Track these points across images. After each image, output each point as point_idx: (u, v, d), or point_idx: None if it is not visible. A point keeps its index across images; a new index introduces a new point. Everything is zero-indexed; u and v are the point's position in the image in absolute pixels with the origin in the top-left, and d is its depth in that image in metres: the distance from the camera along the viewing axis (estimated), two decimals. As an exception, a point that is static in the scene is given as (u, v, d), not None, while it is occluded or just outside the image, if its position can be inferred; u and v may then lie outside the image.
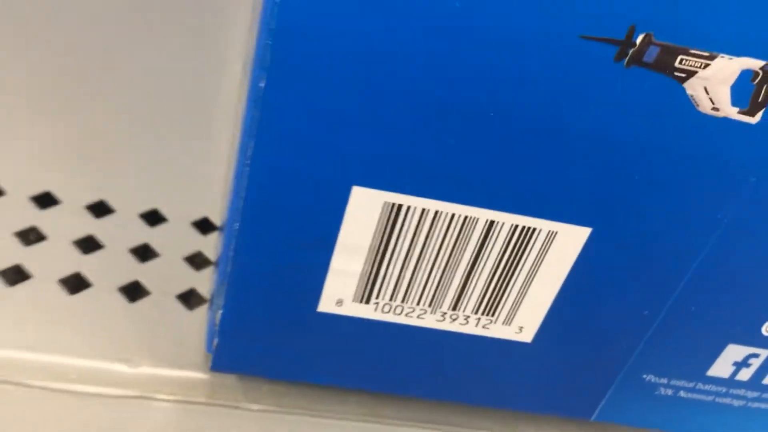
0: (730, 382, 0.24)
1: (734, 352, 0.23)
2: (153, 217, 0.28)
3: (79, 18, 0.36)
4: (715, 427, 0.25)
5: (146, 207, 0.28)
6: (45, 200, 0.28)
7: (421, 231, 0.20)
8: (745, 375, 0.24)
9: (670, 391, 0.24)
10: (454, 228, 0.20)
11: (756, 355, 0.23)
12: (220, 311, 0.21)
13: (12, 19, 0.34)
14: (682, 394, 0.24)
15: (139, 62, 0.35)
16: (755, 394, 0.24)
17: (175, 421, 0.23)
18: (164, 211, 0.29)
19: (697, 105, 0.18)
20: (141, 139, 0.31)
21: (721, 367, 0.23)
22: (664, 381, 0.24)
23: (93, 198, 0.28)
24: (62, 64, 0.33)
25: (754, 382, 0.24)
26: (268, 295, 0.21)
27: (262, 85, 0.17)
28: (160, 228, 0.28)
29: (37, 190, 0.28)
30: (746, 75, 0.17)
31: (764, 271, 0.21)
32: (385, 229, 0.20)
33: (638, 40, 0.17)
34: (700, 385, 0.24)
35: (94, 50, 0.34)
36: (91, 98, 0.32)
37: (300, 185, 0.19)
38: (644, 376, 0.24)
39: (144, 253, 0.27)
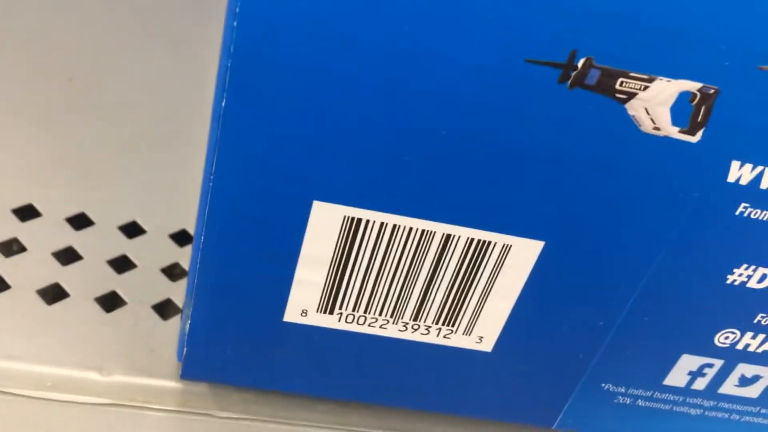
0: (687, 391, 0.25)
1: (689, 361, 0.24)
2: (132, 229, 0.29)
3: (61, 34, 0.37)
4: (674, 435, 0.26)
5: (125, 219, 0.29)
6: (27, 212, 0.28)
7: (380, 244, 0.21)
8: (700, 384, 0.24)
9: (628, 400, 0.25)
10: (412, 241, 0.21)
11: (710, 365, 0.24)
12: (189, 321, 0.22)
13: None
14: (640, 402, 0.25)
15: (120, 77, 0.35)
16: (711, 403, 0.25)
17: (147, 428, 0.23)
18: (143, 223, 0.29)
19: (640, 125, 0.18)
20: (122, 152, 0.32)
21: (677, 377, 0.24)
22: (622, 390, 0.24)
23: (74, 210, 0.29)
24: (44, 79, 0.34)
25: (710, 391, 0.25)
26: (235, 306, 0.22)
27: (222, 104, 0.18)
28: (139, 240, 0.29)
29: (20, 202, 0.29)
30: (686, 96, 0.18)
31: (713, 283, 0.22)
32: (346, 241, 0.21)
33: (580, 64, 0.17)
34: (657, 394, 0.25)
35: (76, 65, 0.35)
36: (72, 112, 0.33)
37: (261, 200, 0.20)
38: (603, 384, 0.24)
39: (122, 264, 0.28)
